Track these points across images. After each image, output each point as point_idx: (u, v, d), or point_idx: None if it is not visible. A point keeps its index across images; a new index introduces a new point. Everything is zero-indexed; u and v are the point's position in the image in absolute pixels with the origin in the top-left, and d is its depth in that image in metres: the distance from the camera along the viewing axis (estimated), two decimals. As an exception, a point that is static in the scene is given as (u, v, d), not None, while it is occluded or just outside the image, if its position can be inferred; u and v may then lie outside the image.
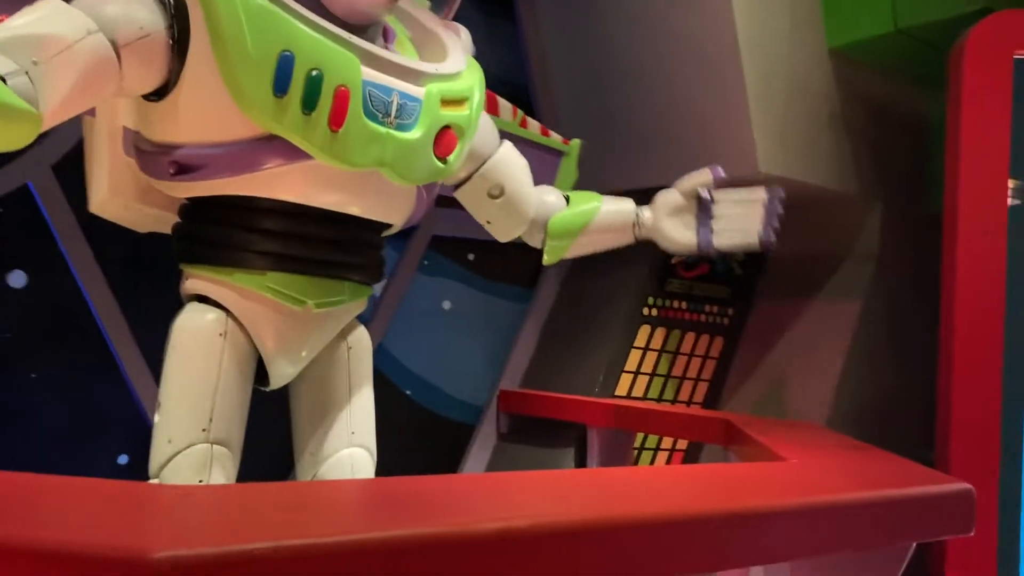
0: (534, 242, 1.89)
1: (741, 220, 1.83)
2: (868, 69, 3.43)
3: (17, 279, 2.66)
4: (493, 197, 1.78)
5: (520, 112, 2.36)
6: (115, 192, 1.63)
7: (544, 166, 2.39)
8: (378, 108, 1.43)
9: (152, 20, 1.32)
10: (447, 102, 1.54)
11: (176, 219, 1.58)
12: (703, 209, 1.83)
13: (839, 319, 3.57)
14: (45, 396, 2.67)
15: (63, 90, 1.19)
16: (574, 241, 1.86)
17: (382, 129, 1.44)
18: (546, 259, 1.89)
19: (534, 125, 2.40)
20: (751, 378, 3.78)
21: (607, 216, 1.87)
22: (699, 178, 1.85)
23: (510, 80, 3.70)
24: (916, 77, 3.60)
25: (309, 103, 1.36)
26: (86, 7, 1.27)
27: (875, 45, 3.24)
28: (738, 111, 3.14)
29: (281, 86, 1.33)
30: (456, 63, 1.61)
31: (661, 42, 3.29)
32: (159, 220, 1.64)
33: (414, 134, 1.48)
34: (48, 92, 1.16)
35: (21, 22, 1.19)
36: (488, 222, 1.84)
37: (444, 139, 1.54)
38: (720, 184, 1.84)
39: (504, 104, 2.31)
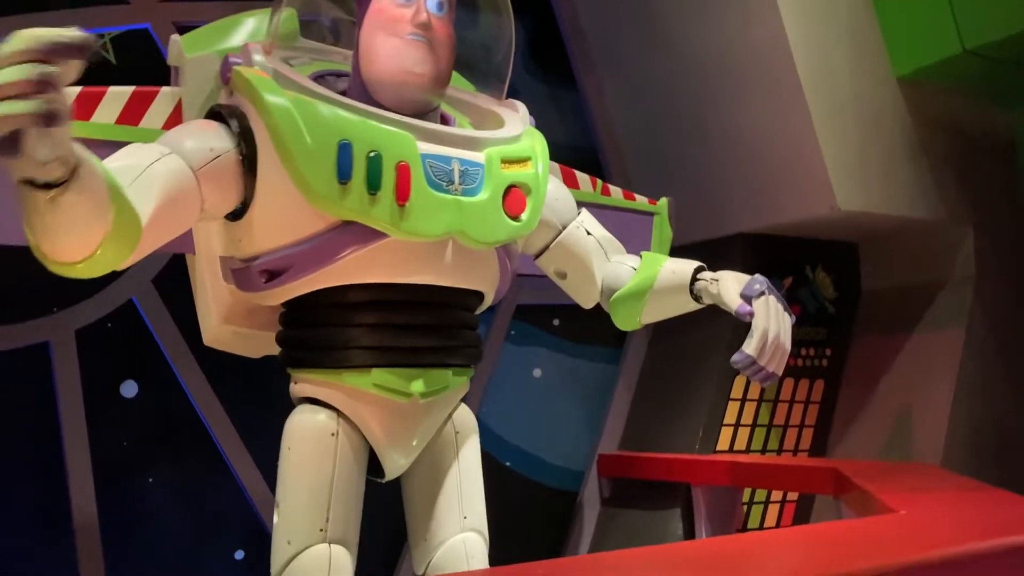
0: (610, 313, 1.84)
1: None
2: (941, 93, 3.35)
3: (129, 389, 2.80)
4: (560, 277, 1.82)
5: (599, 181, 2.31)
6: (222, 319, 1.73)
7: (635, 230, 2.33)
8: (441, 177, 1.50)
9: (221, 144, 1.44)
10: (508, 162, 1.59)
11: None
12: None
13: (943, 349, 3.43)
14: (163, 499, 2.79)
15: (152, 205, 1.28)
16: (641, 311, 1.73)
17: (448, 197, 1.50)
18: (621, 327, 1.82)
19: (616, 191, 2.36)
20: (858, 419, 3.64)
21: (664, 283, 1.71)
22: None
23: (579, 146, 3.76)
24: (993, 95, 3.50)
25: (373, 183, 1.43)
26: (166, 143, 1.40)
27: (944, 68, 3.16)
28: (809, 150, 3.10)
29: (344, 172, 1.42)
30: (513, 129, 1.67)
31: (722, 87, 3.30)
32: (269, 343, 1.72)
33: (481, 196, 1.54)
34: (139, 208, 1.24)
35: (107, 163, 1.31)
36: (569, 292, 1.86)
37: (512, 198, 1.58)
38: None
39: (583, 177, 2.28)
